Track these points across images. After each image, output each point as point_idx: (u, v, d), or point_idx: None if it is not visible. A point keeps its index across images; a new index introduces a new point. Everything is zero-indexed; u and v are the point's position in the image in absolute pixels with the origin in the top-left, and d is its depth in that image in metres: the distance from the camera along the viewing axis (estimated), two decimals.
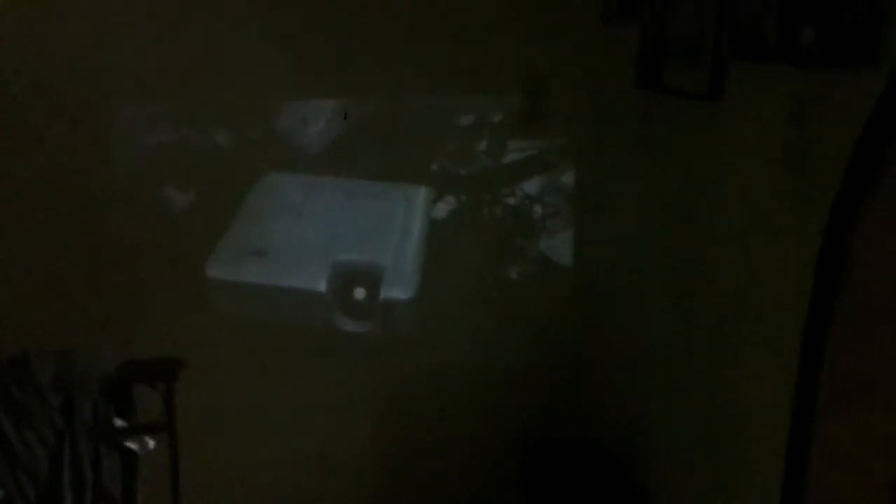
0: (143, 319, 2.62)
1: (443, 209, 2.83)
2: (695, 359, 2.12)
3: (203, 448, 2.34)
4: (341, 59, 2.60)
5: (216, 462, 2.67)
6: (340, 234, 2.78)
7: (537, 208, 2.86)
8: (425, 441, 2.93)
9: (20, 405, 1.87)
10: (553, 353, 2.92)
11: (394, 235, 2.80)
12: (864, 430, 1.66)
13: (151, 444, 1.96)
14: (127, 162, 2.62)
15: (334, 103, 2.70)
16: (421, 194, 2.82)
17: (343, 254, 2.77)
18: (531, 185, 2.83)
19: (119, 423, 1.93)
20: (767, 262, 1.77)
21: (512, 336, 2.89)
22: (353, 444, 2.88)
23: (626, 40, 2.36)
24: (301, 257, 2.76)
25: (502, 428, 2.92)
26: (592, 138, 2.77)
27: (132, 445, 1.94)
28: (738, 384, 1.92)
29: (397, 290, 2.78)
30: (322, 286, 2.73)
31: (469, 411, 2.92)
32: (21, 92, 2.45)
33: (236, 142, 2.67)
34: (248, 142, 2.68)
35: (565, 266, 2.91)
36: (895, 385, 1.62)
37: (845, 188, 1.51)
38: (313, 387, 2.81)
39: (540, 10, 2.64)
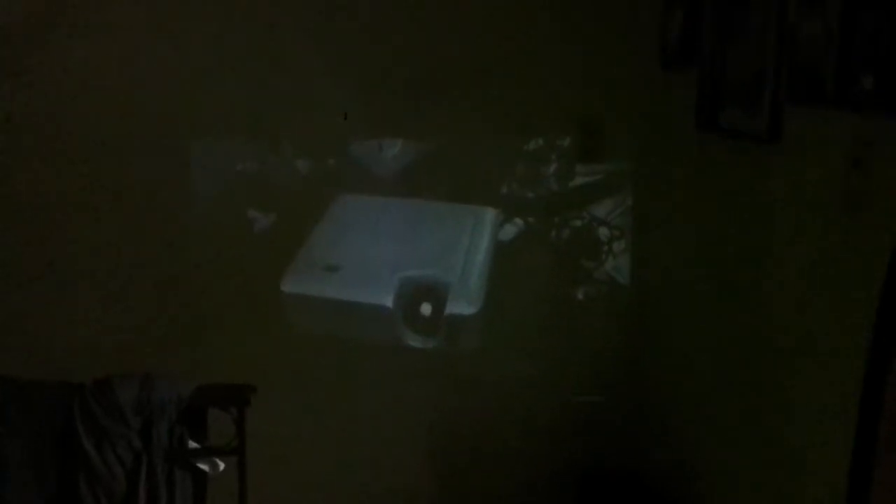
0: (216, 344, 2.72)
1: (511, 231, 2.89)
2: (753, 396, 2.13)
3: (270, 471, 2.42)
4: (411, 99, 2.71)
5: (275, 484, 2.74)
6: (409, 252, 2.87)
7: (604, 231, 2.89)
8: (478, 472, 2.95)
9: (102, 426, 1.98)
10: (613, 381, 2.94)
11: (460, 254, 2.87)
12: None
13: (222, 466, 2.04)
14: (207, 189, 2.74)
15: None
16: (489, 216, 2.90)
17: (411, 270, 2.85)
18: (598, 209, 2.90)
19: (192, 444, 2.02)
20: (827, 301, 1.78)
21: (573, 361, 2.93)
22: (410, 474, 2.93)
23: (684, 82, 2.41)
24: (371, 273, 2.86)
25: (557, 460, 2.94)
26: (648, 178, 2.81)
27: (204, 466, 2.02)
28: (797, 420, 1.92)
29: (462, 306, 2.84)
30: (389, 301, 2.82)
31: (523, 443, 2.94)
32: (106, 124, 2.60)
33: (313, 169, 2.78)
34: (325, 167, 2.79)
35: (619, 300, 2.95)
36: None
37: None
38: (371, 416, 2.88)
39: (601, 54, 2.71)
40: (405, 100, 2.72)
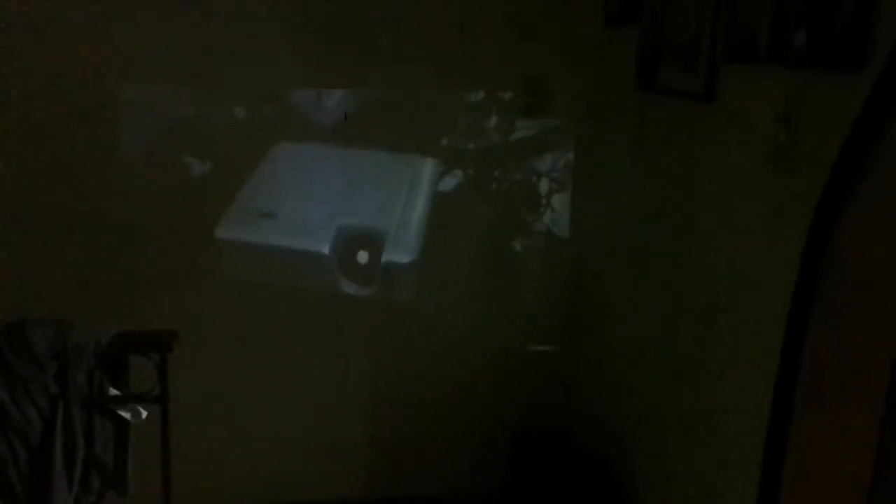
0: (143, 295, 2.65)
1: (451, 182, 2.87)
2: (679, 354, 2.16)
3: (194, 421, 2.38)
4: (348, 51, 2.65)
5: (207, 435, 2.71)
6: (347, 201, 2.85)
7: (544, 184, 2.89)
8: (412, 431, 2.96)
9: (15, 370, 1.90)
10: (546, 341, 2.96)
11: (398, 204, 2.86)
12: (839, 427, 1.69)
13: (144, 413, 1.99)
14: (136, 136, 2.64)
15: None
16: (428, 166, 2.87)
17: (348, 218, 2.84)
18: (540, 162, 2.88)
19: (113, 392, 1.96)
20: (753, 258, 1.81)
21: (498, 328, 2.94)
22: (343, 428, 2.92)
23: (625, 42, 2.41)
24: (308, 221, 2.84)
25: (488, 419, 2.96)
26: (589, 134, 2.82)
27: (125, 414, 1.97)
28: (720, 380, 1.95)
29: (399, 255, 2.85)
30: (326, 248, 2.81)
31: (456, 402, 2.96)
32: (26, 71, 2.49)
33: (251, 116, 2.71)
34: (263, 115, 2.71)
35: (554, 260, 2.95)
36: (871, 383, 1.66)
37: (830, 188, 1.55)
38: (306, 369, 2.86)
39: (544, 11, 2.69)
40: (347, 47, 2.65)
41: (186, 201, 2.69)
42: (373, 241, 2.83)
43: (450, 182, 2.87)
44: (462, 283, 2.90)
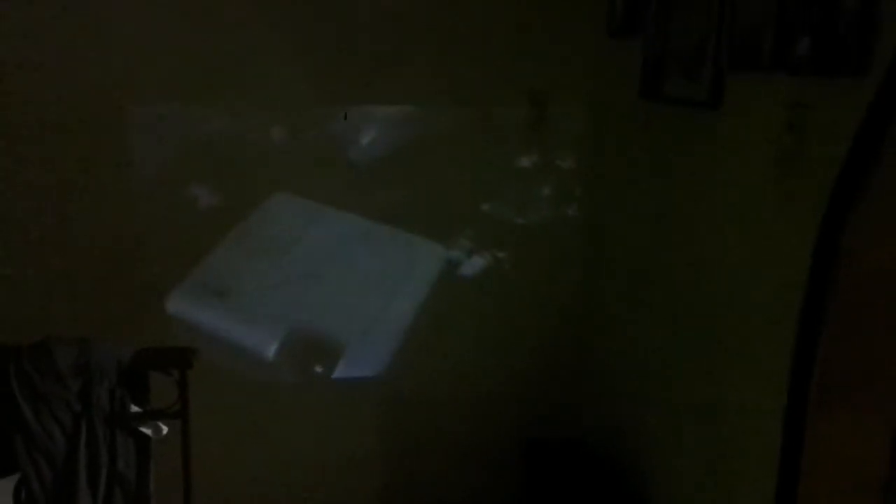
0: (154, 315, 2.67)
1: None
2: (691, 361, 2.17)
3: (215, 436, 2.41)
4: (349, 69, 2.66)
5: (228, 449, 2.73)
6: (318, 286, 2.59)
7: (550, 192, 2.87)
8: (427, 441, 2.98)
9: (39, 389, 1.94)
10: (557, 350, 2.97)
11: (371, 306, 2.66)
12: (853, 430, 1.71)
13: (165, 429, 2.02)
14: (144, 160, 2.65)
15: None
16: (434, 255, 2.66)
17: (308, 319, 2.59)
18: (532, 189, 2.87)
19: (134, 408, 1.99)
20: (762, 265, 1.82)
21: (511, 336, 2.95)
22: (358, 440, 2.93)
23: (629, 52, 2.44)
24: (264, 308, 2.58)
25: (502, 428, 2.98)
26: (595, 146, 2.84)
27: (146, 430, 2.00)
28: (732, 384, 1.97)
29: (357, 370, 2.64)
30: (271, 350, 2.59)
31: (470, 411, 2.97)
32: (38, 89, 2.52)
33: (260, 143, 2.68)
34: (275, 144, 2.67)
35: (565, 268, 2.97)
36: (884, 384, 1.67)
37: (837, 192, 1.57)
38: (319, 384, 2.87)
39: (547, 23, 2.72)
40: (348, 62, 2.66)
41: (199, 216, 2.70)
42: (328, 350, 2.58)
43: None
44: (473, 294, 2.91)
